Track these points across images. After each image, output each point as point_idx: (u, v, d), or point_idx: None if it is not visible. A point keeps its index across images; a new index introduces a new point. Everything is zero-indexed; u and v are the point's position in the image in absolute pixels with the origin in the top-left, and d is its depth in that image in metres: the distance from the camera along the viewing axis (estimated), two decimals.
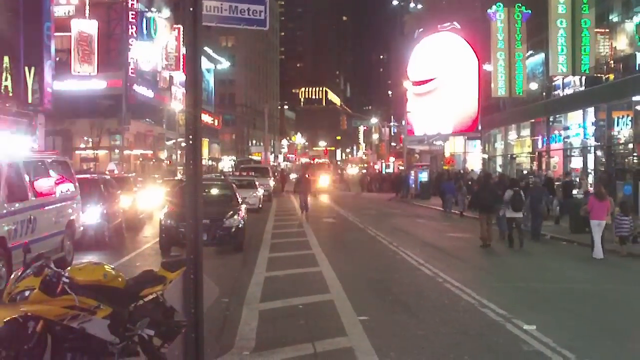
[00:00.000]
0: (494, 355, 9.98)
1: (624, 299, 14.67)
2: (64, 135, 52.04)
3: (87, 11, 51.03)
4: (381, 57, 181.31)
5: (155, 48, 63.11)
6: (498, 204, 23.32)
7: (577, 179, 35.74)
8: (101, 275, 8.50)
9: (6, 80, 33.74)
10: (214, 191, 24.47)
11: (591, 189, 27.63)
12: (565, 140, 40.73)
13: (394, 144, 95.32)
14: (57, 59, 44.03)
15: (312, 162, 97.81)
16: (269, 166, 66.51)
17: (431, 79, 63.22)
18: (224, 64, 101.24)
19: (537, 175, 32.44)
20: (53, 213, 16.47)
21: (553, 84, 41.59)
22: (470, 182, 39.25)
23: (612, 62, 35.28)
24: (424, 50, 65.00)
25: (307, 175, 40.45)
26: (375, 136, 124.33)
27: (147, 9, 61.87)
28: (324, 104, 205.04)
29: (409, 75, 65.73)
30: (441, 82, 62.35)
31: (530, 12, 44.10)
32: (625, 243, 20.92)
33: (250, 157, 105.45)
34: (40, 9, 35.72)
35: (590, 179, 34.95)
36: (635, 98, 32.39)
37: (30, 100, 35.15)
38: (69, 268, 8.83)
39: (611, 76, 34.81)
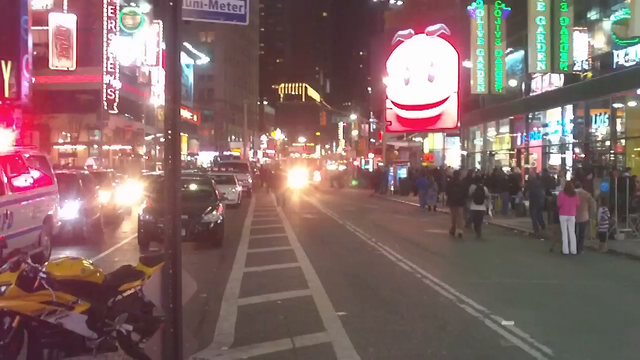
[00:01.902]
0: (472, 350, 10.02)
1: (599, 295, 14.79)
2: (42, 130, 51.64)
3: (65, 5, 50.68)
4: (361, 53, 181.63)
5: (135, 43, 62.75)
6: (466, 198, 25.19)
7: (556, 176, 35.94)
8: (79, 271, 8.47)
9: None
10: (193, 187, 24.39)
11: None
12: (544, 137, 40.95)
13: (373, 140, 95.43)
14: (35, 53, 43.67)
15: (301, 157, 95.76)
16: (248, 162, 66.22)
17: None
18: (204, 60, 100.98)
19: (533, 172, 33.44)
20: (30, 208, 16.35)
21: (532, 80, 41.77)
22: (448, 179, 39.43)
23: (590, 60, 35.48)
24: (408, 54, 64.33)
25: (282, 172, 41.52)
26: (354, 132, 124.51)
27: (126, 4, 61.58)
28: (303, 99, 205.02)
29: (389, 74, 65.33)
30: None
31: (510, 9, 44.23)
32: (605, 240, 21.08)
33: (229, 152, 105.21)
34: (17, 2, 35.35)
35: (569, 175, 35.16)
36: (612, 96, 32.65)
37: (7, 95, 34.80)
38: (46, 263, 8.79)
39: (589, 74, 35.02)
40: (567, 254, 20.26)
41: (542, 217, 25.91)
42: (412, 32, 63.32)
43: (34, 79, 37.77)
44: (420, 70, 62.18)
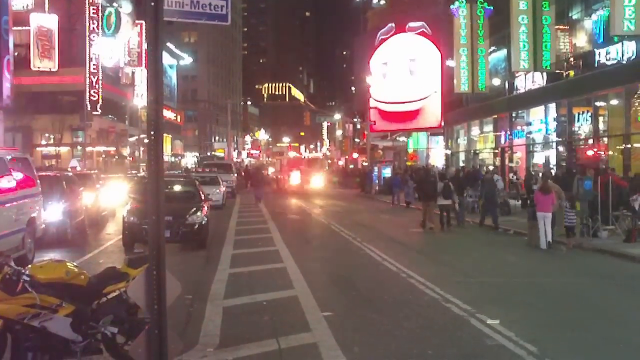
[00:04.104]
0: (458, 349, 10.04)
1: (583, 292, 14.84)
2: (25, 131, 51.38)
3: (46, 5, 50.42)
4: (344, 52, 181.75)
5: (118, 44, 62.57)
6: (436, 193, 27.72)
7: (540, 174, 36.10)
8: (63, 273, 8.41)
9: None
10: (177, 188, 24.33)
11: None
12: (528, 135, 41.10)
13: (358, 140, 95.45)
14: (16, 54, 43.43)
15: (300, 156, 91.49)
16: (232, 162, 66.07)
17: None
18: (187, 60, 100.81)
19: (488, 172, 34.50)
20: (13, 210, 16.24)
21: (515, 79, 41.88)
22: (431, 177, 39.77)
23: (572, 58, 35.64)
24: (389, 50, 64.46)
25: (262, 171, 47.85)
26: (338, 132, 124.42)
27: (108, 4, 61.35)
28: (287, 99, 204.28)
29: (371, 72, 65.38)
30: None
31: (492, 8, 44.37)
32: (570, 235, 21.70)
33: (213, 153, 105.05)
34: None
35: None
36: (595, 94, 32.82)
37: None
38: (29, 266, 8.73)
39: (571, 73, 35.17)
40: (544, 248, 20.86)
41: (496, 213, 27.90)
42: (393, 26, 63.41)
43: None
44: (400, 65, 62.41)
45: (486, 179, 30.89)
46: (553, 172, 33.38)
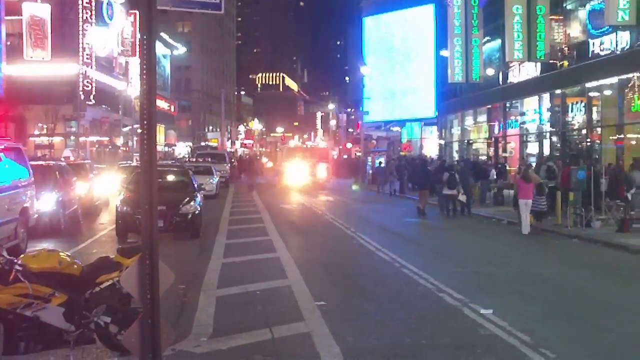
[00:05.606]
0: (451, 339, 10.04)
1: (576, 282, 14.87)
2: (18, 121, 51.09)
3: None
4: (338, 42, 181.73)
5: (111, 33, 62.33)
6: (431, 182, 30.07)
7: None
8: (56, 262, 8.39)
9: None
10: (170, 177, 24.30)
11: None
12: (522, 125, 41.13)
13: (351, 130, 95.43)
14: (9, 43, 43.24)
15: (304, 146, 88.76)
16: (225, 152, 65.87)
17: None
18: (180, 50, 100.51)
19: (463, 160, 35.62)
20: (6, 200, 16.18)
21: (509, 69, 41.84)
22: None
23: (566, 48, 35.61)
24: (388, 35, 65.03)
25: (256, 159, 48.82)
26: (332, 122, 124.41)
27: None
28: (281, 89, 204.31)
29: (369, 54, 65.60)
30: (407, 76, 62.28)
31: None
32: (540, 220, 23.26)
33: (206, 143, 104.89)
34: None
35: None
36: (588, 85, 32.82)
37: None
38: (22, 256, 8.71)
39: (565, 63, 35.14)
40: (526, 234, 22.12)
41: (470, 203, 29.41)
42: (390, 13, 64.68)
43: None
44: (400, 47, 63.34)
45: (460, 169, 31.47)
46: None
